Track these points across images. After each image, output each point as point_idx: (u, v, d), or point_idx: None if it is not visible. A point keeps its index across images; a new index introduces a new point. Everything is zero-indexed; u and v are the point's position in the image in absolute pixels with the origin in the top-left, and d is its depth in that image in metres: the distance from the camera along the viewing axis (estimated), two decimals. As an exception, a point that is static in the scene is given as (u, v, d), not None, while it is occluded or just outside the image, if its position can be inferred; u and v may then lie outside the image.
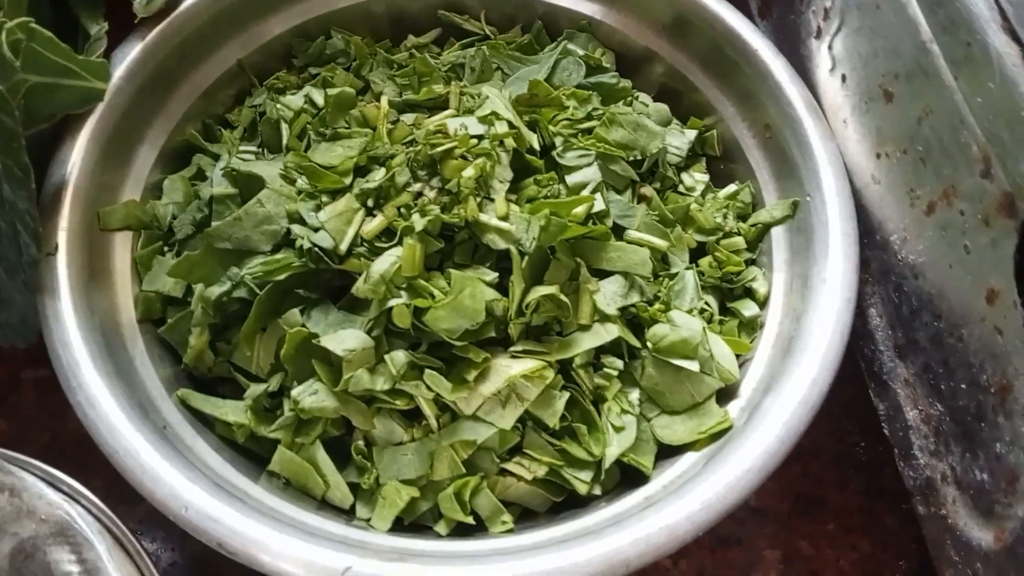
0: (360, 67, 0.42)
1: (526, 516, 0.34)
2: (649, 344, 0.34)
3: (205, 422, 0.34)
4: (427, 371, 0.32)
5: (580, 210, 0.34)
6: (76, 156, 0.34)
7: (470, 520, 0.32)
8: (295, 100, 0.39)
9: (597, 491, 0.34)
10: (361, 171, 0.35)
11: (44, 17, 0.36)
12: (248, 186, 0.36)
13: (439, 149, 0.34)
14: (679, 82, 0.43)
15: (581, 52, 0.42)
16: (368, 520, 0.32)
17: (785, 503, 0.41)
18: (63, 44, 0.30)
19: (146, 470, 0.28)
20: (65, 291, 0.31)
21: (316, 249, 0.33)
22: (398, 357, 0.32)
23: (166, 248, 0.36)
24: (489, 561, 0.28)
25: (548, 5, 0.44)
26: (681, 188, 0.40)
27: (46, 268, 0.32)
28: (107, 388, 0.30)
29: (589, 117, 0.39)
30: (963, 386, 0.30)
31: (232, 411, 0.33)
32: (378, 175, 0.34)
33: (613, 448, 0.33)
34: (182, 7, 0.38)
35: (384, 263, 0.32)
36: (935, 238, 0.31)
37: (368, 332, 0.32)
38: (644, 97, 0.43)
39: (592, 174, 0.37)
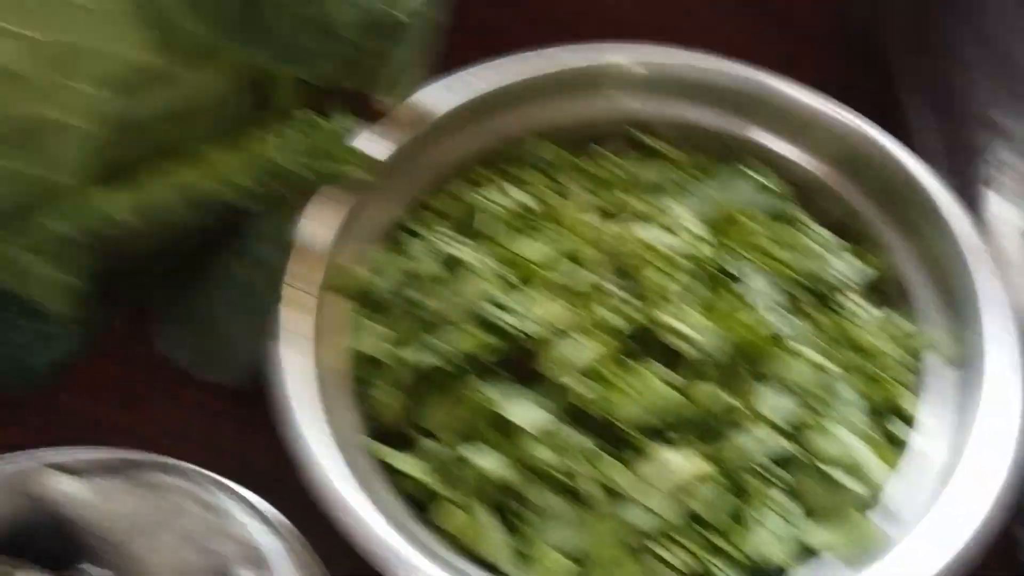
0: (556, 172, 0.46)
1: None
2: (807, 453, 0.36)
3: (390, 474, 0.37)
4: (601, 454, 0.34)
5: (760, 324, 0.37)
6: (322, 223, 0.40)
7: (627, 603, 0.33)
8: (498, 196, 0.43)
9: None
10: (556, 268, 0.39)
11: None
12: (451, 267, 0.40)
13: (635, 256, 0.38)
14: (852, 218, 0.45)
15: (758, 178, 0.45)
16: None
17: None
18: (347, 143, 0.36)
19: (354, 518, 0.32)
20: (296, 339, 0.36)
21: (511, 330, 0.36)
22: (574, 437, 0.35)
23: (374, 313, 0.41)
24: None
25: (727, 134, 0.48)
26: (851, 316, 0.42)
27: (280, 318, 0.37)
28: (327, 432, 0.34)
29: (769, 240, 0.42)
30: None
31: (416, 467, 0.36)
32: (574, 272, 0.38)
33: (758, 549, 0.34)
34: (429, 113, 0.44)
35: (574, 350, 0.36)
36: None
37: (549, 410, 0.35)
38: (816, 228, 0.45)
39: (769, 292, 0.39)
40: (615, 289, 0.38)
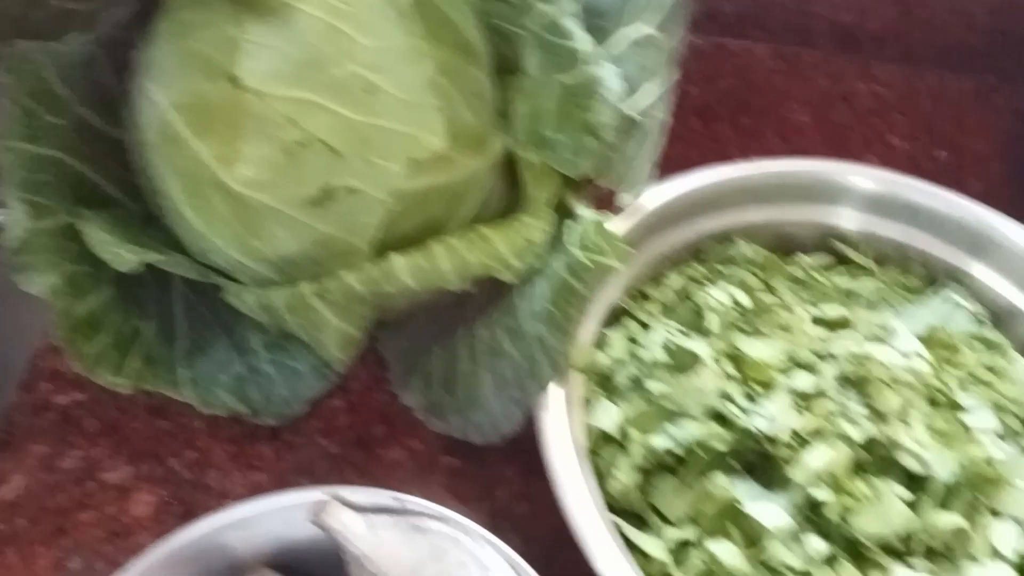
0: (767, 275, 0.49)
1: None
2: (1035, 592, 0.37)
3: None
4: (843, 563, 0.36)
5: (986, 453, 0.39)
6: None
7: None
8: (720, 294, 0.46)
9: None
10: (786, 372, 0.41)
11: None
12: (683, 359, 0.42)
13: (869, 372, 0.40)
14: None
15: (963, 302, 0.47)
16: None
17: None
18: (611, 234, 0.39)
19: None
20: (560, 410, 0.39)
21: (749, 426, 0.39)
22: (817, 543, 0.36)
23: (609, 392, 0.43)
24: None
25: (922, 253, 0.50)
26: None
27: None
28: (591, 499, 0.36)
29: (981, 366, 0.43)
30: None
31: (655, 546, 0.38)
32: (806, 378, 0.40)
33: None
34: (650, 209, 0.47)
35: (817, 456, 0.37)
36: None
37: (788, 512, 0.37)
38: (1015, 355, 0.47)
39: (990, 421, 0.41)
40: (847, 400, 0.39)
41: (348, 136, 0.39)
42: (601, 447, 0.42)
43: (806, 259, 0.51)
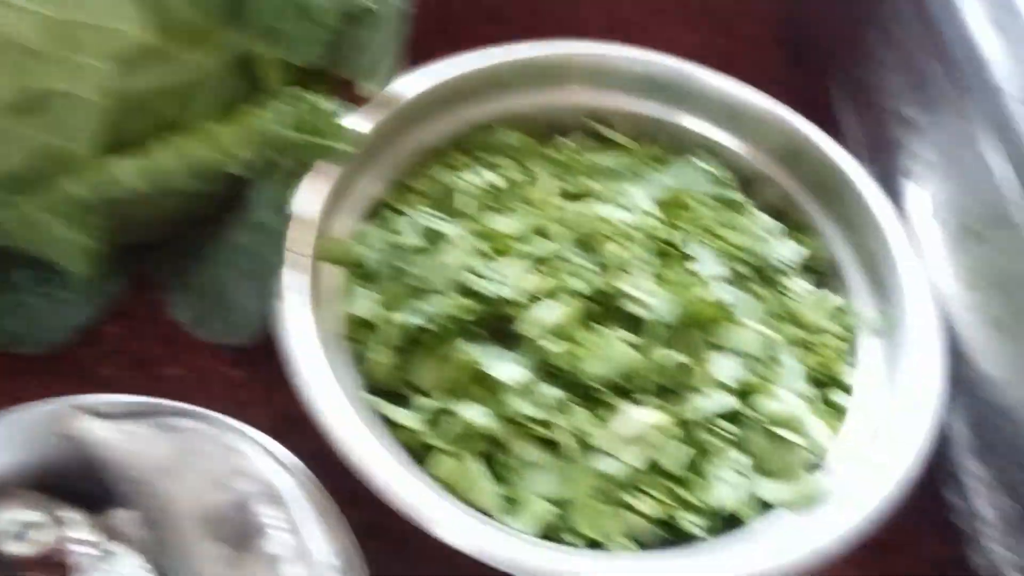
0: (524, 159, 0.50)
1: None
2: (757, 414, 0.41)
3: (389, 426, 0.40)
4: (574, 407, 0.39)
5: (711, 295, 0.42)
6: (313, 195, 0.43)
7: (600, 540, 0.38)
8: (474, 178, 0.47)
9: (704, 535, 0.39)
10: (526, 241, 0.43)
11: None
12: (436, 240, 0.44)
13: (595, 230, 0.42)
14: (788, 204, 0.51)
15: (705, 167, 0.50)
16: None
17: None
18: (334, 118, 0.39)
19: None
20: (299, 302, 0.39)
21: (490, 294, 0.40)
22: (550, 392, 0.39)
23: (365, 281, 0.44)
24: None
25: (676, 126, 0.53)
26: (786, 291, 0.47)
27: (281, 280, 0.40)
28: (337, 384, 0.38)
29: (717, 222, 0.46)
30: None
31: (410, 418, 0.40)
32: (544, 244, 0.42)
33: (718, 499, 0.39)
34: (394, 97, 0.47)
35: (548, 311, 0.40)
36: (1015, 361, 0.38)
37: (526, 368, 0.39)
38: (757, 212, 0.51)
39: (720, 270, 0.44)
40: (578, 259, 0.42)
41: (46, 34, 0.37)
42: (361, 334, 0.43)
43: (566, 142, 0.53)
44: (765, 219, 0.50)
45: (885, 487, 0.37)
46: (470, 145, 0.52)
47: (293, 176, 0.40)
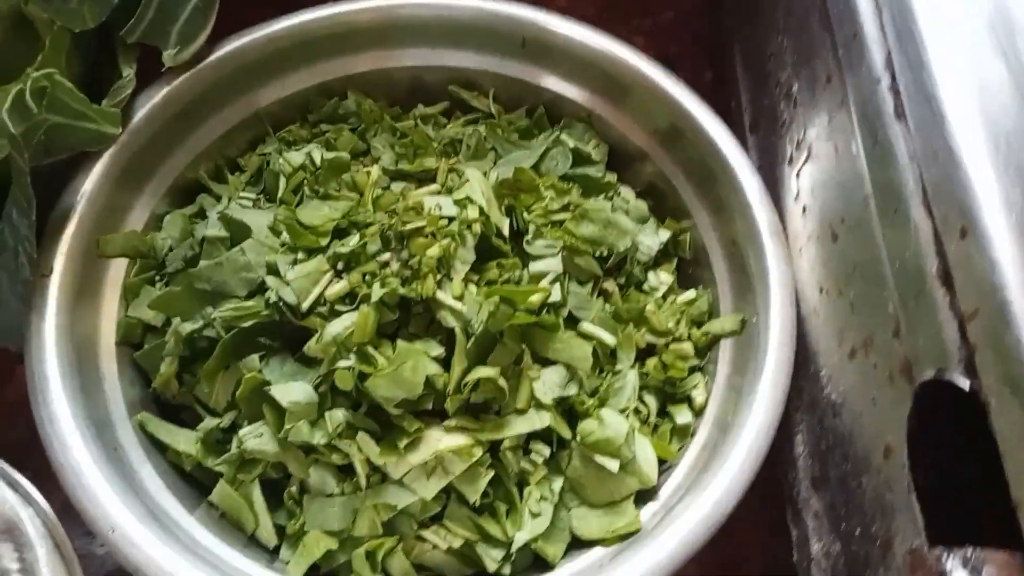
0: (366, 131, 0.45)
1: (440, 581, 0.36)
2: (577, 437, 0.36)
3: (160, 448, 0.37)
4: (360, 433, 0.34)
5: (535, 298, 0.37)
6: (87, 187, 0.38)
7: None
8: (296, 156, 0.42)
9: (506, 571, 0.35)
10: (341, 233, 0.38)
11: (84, 61, 0.40)
12: (238, 232, 0.39)
13: (409, 226, 0.37)
14: (664, 183, 0.45)
15: (572, 143, 0.44)
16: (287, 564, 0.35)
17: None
18: (80, 94, 0.34)
19: (85, 488, 0.31)
20: (51, 311, 0.35)
21: (281, 303, 0.36)
22: (336, 416, 0.34)
23: (157, 279, 0.40)
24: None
25: (555, 94, 0.47)
26: (646, 287, 0.42)
27: (38, 287, 0.35)
28: (68, 406, 0.33)
29: (565, 209, 0.41)
30: (857, 531, 0.31)
31: (184, 440, 0.36)
32: (352, 240, 0.37)
33: (523, 533, 0.35)
34: (208, 59, 0.42)
35: (338, 326, 0.35)
36: (853, 383, 0.32)
37: (316, 388, 0.35)
38: (627, 192, 0.45)
39: (555, 265, 0.39)
40: (389, 259, 0.37)
41: None
42: (150, 342, 0.39)
43: (424, 109, 0.47)
44: (635, 203, 0.44)
45: (691, 530, 0.32)
46: (314, 114, 0.46)
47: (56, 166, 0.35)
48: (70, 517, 0.32)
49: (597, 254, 0.40)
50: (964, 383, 0.25)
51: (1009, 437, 0.23)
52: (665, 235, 0.43)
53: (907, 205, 0.29)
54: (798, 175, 0.40)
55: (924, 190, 0.28)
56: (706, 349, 0.41)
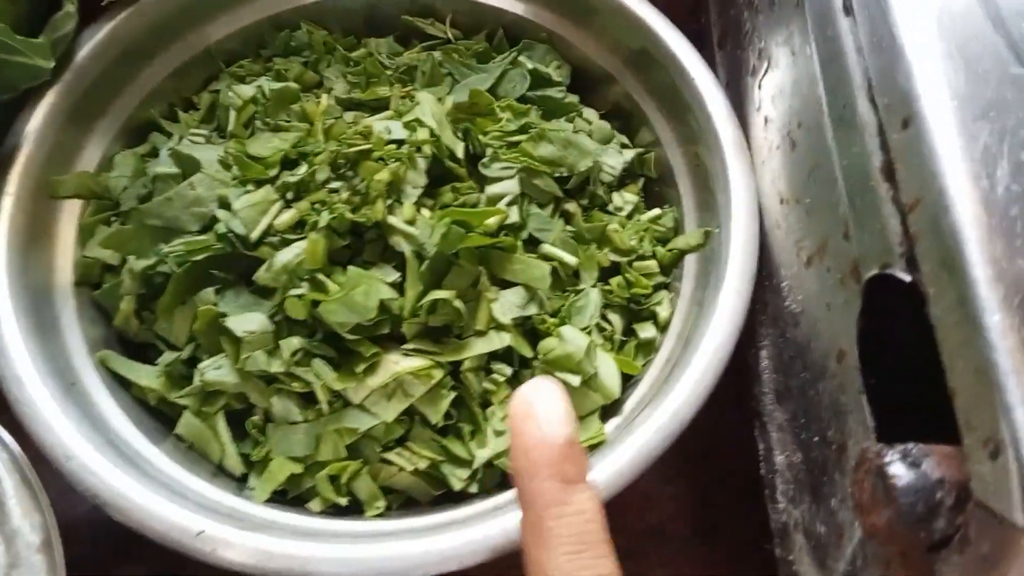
0: (317, 62, 0.44)
1: (410, 504, 0.37)
2: (539, 355, 0.36)
3: (124, 384, 0.37)
4: (315, 359, 0.34)
5: (492, 221, 0.36)
6: (32, 127, 0.37)
7: (342, 501, 0.34)
8: (247, 89, 0.41)
9: (473, 488, 0.36)
10: (291, 164, 0.37)
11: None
12: (189, 168, 0.38)
13: (355, 149, 0.36)
14: (630, 104, 0.44)
15: (531, 65, 0.43)
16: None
17: (680, 524, 0.43)
18: (5, 26, 0.33)
19: (40, 420, 0.31)
20: (2, 252, 0.35)
21: (231, 234, 0.35)
22: (292, 343, 0.34)
23: (112, 218, 0.39)
24: (338, 540, 0.31)
25: (515, 16, 0.45)
26: (610, 207, 0.41)
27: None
28: (23, 344, 0.33)
29: (523, 130, 0.40)
30: (815, 439, 0.31)
31: (146, 375, 0.36)
32: (301, 169, 0.37)
33: (486, 451, 0.35)
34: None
35: (288, 254, 0.35)
36: (810, 291, 0.32)
37: (271, 317, 0.35)
38: (589, 113, 0.44)
39: (511, 187, 0.38)
40: (339, 186, 0.36)
41: None
42: (109, 281, 0.38)
43: (378, 41, 0.46)
44: (598, 123, 0.43)
45: (647, 441, 0.32)
46: (268, 47, 0.45)
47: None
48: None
49: (557, 175, 0.40)
50: (906, 277, 0.24)
51: (945, 323, 0.22)
52: (629, 155, 0.42)
53: (854, 100, 0.28)
54: (760, 86, 0.39)
55: (869, 83, 0.27)
56: (671, 266, 0.40)
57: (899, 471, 0.23)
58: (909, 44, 0.25)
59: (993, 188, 0.22)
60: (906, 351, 0.27)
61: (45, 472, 0.32)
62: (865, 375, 0.28)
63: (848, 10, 0.29)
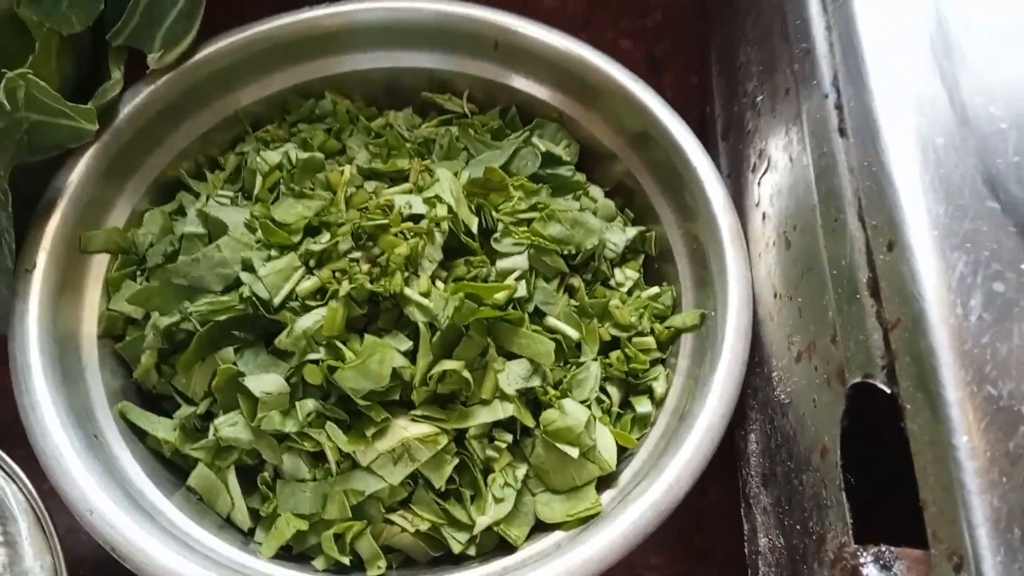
0: (340, 131, 0.46)
1: (409, 564, 0.38)
2: (540, 426, 0.38)
3: (140, 435, 0.38)
4: (328, 422, 0.36)
5: (501, 295, 0.38)
6: (70, 183, 0.39)
7: (345, 560, 0.36)
8: (273, 155, 0.43)
9: (471, 552, 0.37)
10: (314, 231, 0.40)
11: (76, 62, 0.41)
12: (216, 230, 0.40)
13: (377, 223, 0.38)
14: (632, 182, 0.46)
15: (543, 147, 0.45)
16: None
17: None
18: (54, 92, 0.35)
19: (64, 472, 0.33)
20: (34, 303, 0.37)
21: (254, 298, 0.37)
22: (307, 405, 0.36)
23: (138, 273, 0.41)
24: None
25: (527, 95, 0.48)
26: (612, 282, 0.44)
27: (21, 280, 0.37)
28: (49, 395, 0.35)
29: (533, 208, 0.42)
30: (797, 526, 0.33)
31: (162, 428, 0.38)
32: (324, 238, 0.39)
33: (486, 517, 0.37)
34: (189, 61, 0.43)
35: (308, 321, 0.36)
36: (799, 385, 0.34)
37: (288, 379, 0.37)
38: (596, 191, 0.46)
39: (521, 262, 0.40)
40: (359, 256, 0.38)
41: None
42: (132, 334, 0.40)
43: (397, 113, 0.48)
44: (603, 201, 0.46)
45: (642, 515, 0.34)
46: (292, 114, 0.48)
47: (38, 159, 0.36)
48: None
49: (564, 252, 0.42)
50: (887, 389, 0.27)
51: (920, 439, 0.24)
52: (632, 233, 0.45)
53: (845, 216, 0.30)
54: (759, 183, 0.41)
55: (859, 202, 0.29)
56: (668, 342, 0.42)
57: (872, 573, 0.24)
58: (897, 173, 0.28)
59: (967, 316, 0.25)
60: (886, 454, 0.29)
61: (52, 504, 0.33)
62: (846, 473, 0.29)
63: (843, 132, 0.31)
